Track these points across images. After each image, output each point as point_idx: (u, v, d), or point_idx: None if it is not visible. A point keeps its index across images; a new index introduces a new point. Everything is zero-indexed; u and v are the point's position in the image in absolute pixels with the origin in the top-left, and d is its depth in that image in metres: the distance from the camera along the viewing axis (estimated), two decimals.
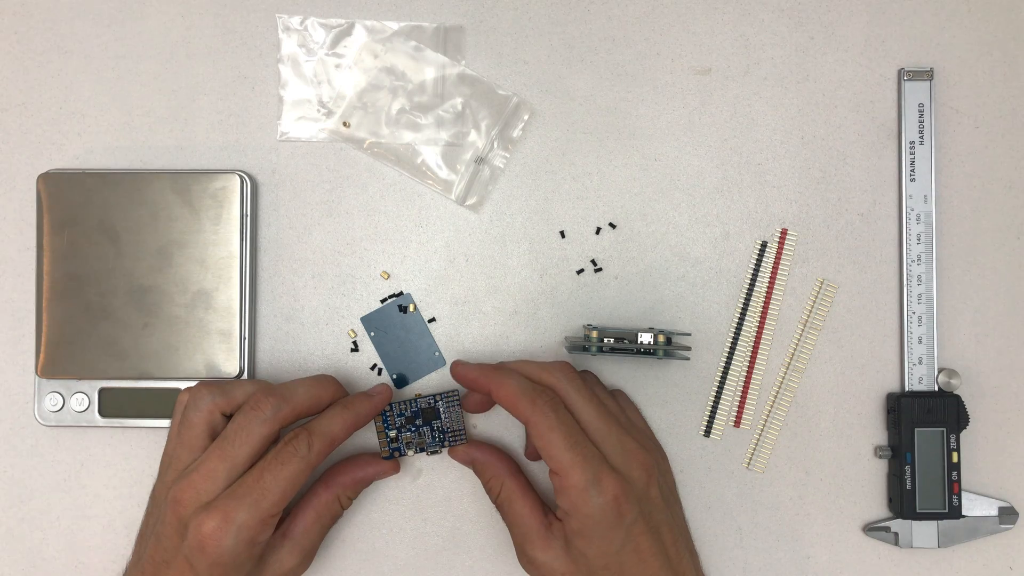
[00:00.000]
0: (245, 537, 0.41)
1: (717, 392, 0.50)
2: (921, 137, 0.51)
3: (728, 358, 0.50)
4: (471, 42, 0.52)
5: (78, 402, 0.49)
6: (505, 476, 0.46)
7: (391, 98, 0.51)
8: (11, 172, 0.51)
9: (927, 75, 0.51)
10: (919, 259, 0.50)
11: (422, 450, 0.48)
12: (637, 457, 0.43)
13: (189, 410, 0.44)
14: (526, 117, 0.51)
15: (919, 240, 0.50)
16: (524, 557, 0.45)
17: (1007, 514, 0.50)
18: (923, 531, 0.49)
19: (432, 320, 0.51)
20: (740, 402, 0.50)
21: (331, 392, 0.46)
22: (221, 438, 0.43)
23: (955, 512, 0.49)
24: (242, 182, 0.49)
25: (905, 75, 0.51)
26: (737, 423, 0.50)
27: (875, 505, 0.50)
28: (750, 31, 0.52)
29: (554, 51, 0.51)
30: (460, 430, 0.48)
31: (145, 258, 0.49)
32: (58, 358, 0.49)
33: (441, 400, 0.48)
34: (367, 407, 0.46)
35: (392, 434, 0.48)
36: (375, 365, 0.51)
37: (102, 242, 0.49)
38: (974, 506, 0.49)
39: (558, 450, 0.42)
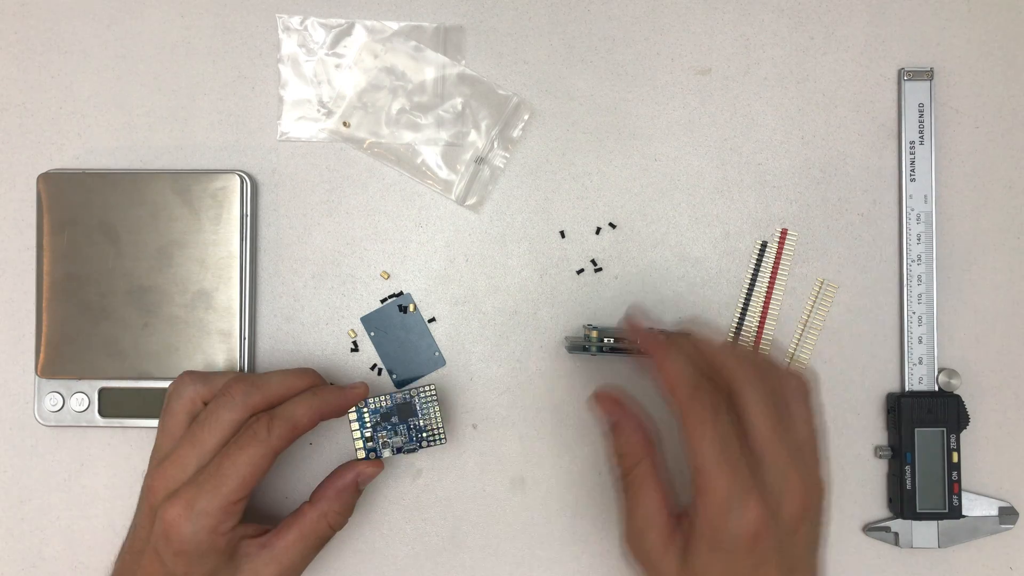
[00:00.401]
0: (205, 524, 0.40)
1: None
2: (921, 137, 0.51)
3: None
4: (471, 42, 0.52)
5: (78, 402, 0.49)
6: (643, 454, 0.41)
7: (391, 98, 0.51)
8: (11, 172, 0.51)
9: (927, 75, 0.51)
10: (919, 259, 0.50)
11: (399, 450, 0.46)
12: (796, 493, 0.38)
13: (172, 399, 0.44)
14: (526, 117, 0.51)
15: (919, 240, 0.50)
16: (635, 544, 0.41)
17: (1007, 514, 0.50)
18: (923, 531, 0.49)
19: (432, 320, 0.51)
20: None
21: (306, 382, 0.44)
22: (193, 424, 0.42)
23: (955, 512, 0.49)
24: (242, 182, 0.49)
25: (905, 75, 0.51)
26: None
27: (875, 505, 0.50)
28: (750, 31, 0.52)
29: (554, 51, 0.51)
30: (438, 428, 0.46)
31: (145, 258, 0.49)
32: (58, 358, 0.49)
33: (417, 396, 0.46)
34: (336, 397, 0.44)
35: (367, 433, 0.46)
36: (375, 365, 0.51)
37: (102, 242, 0.49)
38: (974, 506, 0.49)
39: (706, 455, 0.37)
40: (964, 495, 0.49)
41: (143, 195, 0.49)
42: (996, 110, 0.51)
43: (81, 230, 0.49)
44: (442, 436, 0.46)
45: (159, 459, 0.43)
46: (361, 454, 0.46)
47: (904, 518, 0.49)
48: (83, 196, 0.49)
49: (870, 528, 0.50)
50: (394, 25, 0.51)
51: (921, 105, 0.51)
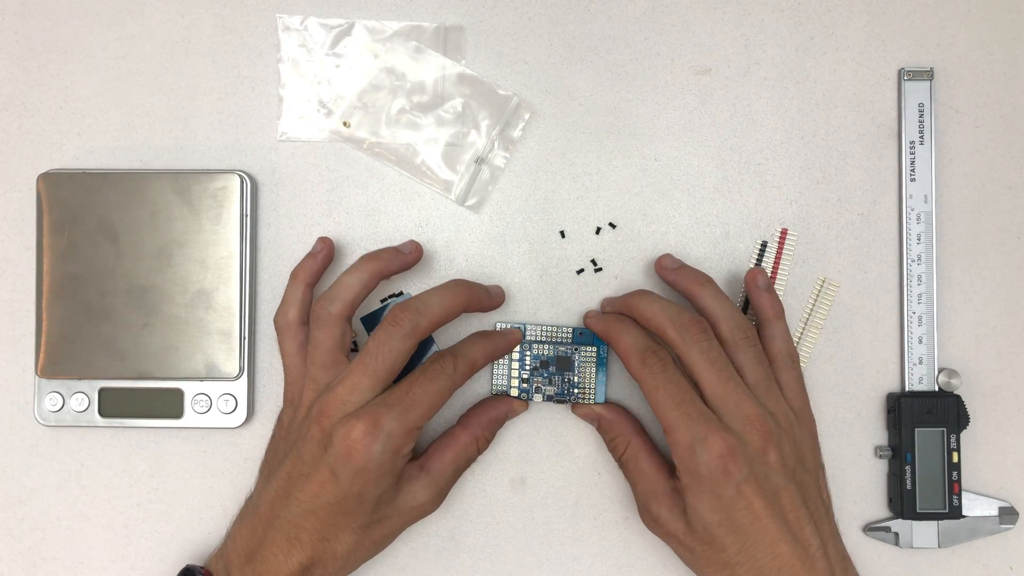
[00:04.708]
0: (392, 445, 0.41)
1: None
2: (921, 137, 0.51)
3: None
4: (471, 42, 0.52)
5: (78, 402, 0.49)
6: (631, 434, 0.47)
7: (391, 98, 0.51)
8: (11, 172, 0.51)
9: (927, 75, 0.51)
10: (919, 259, 0.50)
11: (549, 398, 0.49)
12: (755, 422, 0.42)
13: (316, 329, 0.45)
14: (526, 117, 0.51)
15: (919, 240, 0.50)
16: (647, 514, 0.46)
17: (1007, 514, 0.50)
18: (923, 531, 0.49)
19: None
20: None
21: (464, 298, 0.45)
22: (363, 353, 0.43)
23: (955, 512, 0.49)
24: (242, 182, 0.49)
25: (905, 75, 0.51)
26: None
27: (875, 505, 0.50)
28: (750, 31, 0.52)
29: (554, 51, 0.51)
30: (589, 388, 0.49)
31: (145, 258, 0.49)
32: (58, 358, 0.49)
33: (577, 353, 0.49)
34: (504, 341, 0.48)
35: (524, 375, 0.49)
36: None
37: (102, 242, 0.49)
38: (974, 506, 0.49)
39: (665, 408, 0.42)
40: (964, 495, 0.49)
41: (143, 195, 0.49)
42: (996, 110, 0.51)
43: (81, 230, 0.49)
44: (591, 395, 0.49)
45: (318, 389, 0.44)
46: (515, 392, 0.49)
47: (904, 518, 0.49)
48: (83, 196, 0.49)
49: (870, 528, 0.50)
50: (394, 25, 0.51)
51: (921, 105, 0.51)
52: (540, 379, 0.49)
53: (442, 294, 0.45)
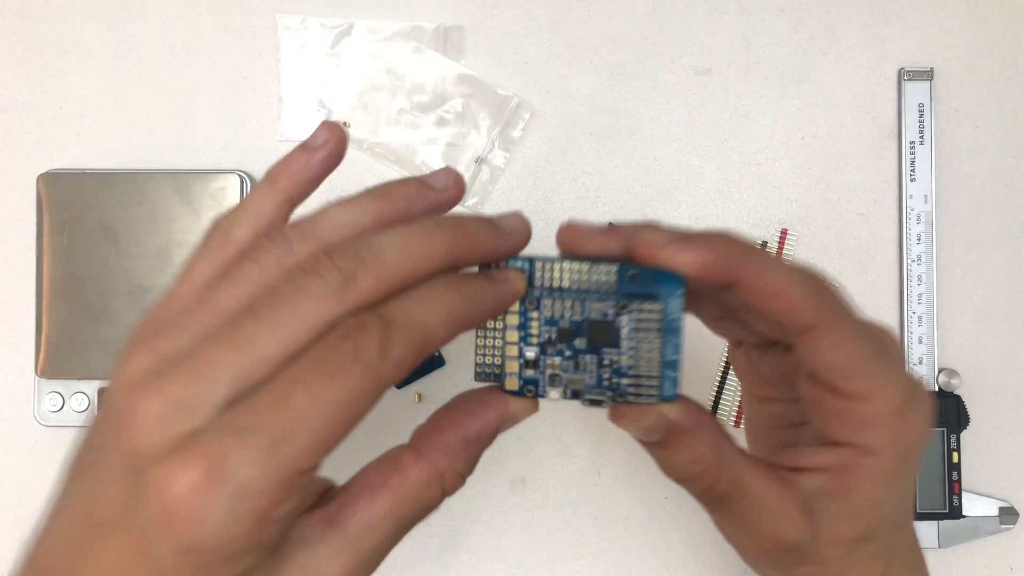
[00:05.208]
0: (250, 507, 0.21)
1: (717, 392, 0.50)
2: (921, 137, 0.51)
3: (729, 358, 0.50)
4: (471, 42, 0.52)
5: (78, 402, 0.49)
6: (726, 447, 0.29)
7: (391, 98, 0.51)
8: (11, 172, 0.51)
9: (927, 75, 0.51)
10: (919, 259, 0.50)
11: (575, 395, 0.27)
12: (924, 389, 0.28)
13: (229, 223, 0.26)
14: (527, 117, 0.51)
15: (919, 240, 0.50)
16: (777, 556, 0.29)
17: (1007, 514, 0.50)
18: (923, 531, 0.49)
19: None
20: (740, 402, 0.50)
21: (447, 243, 0.25)
22: (244, 312, 0.23)
23: (955, 512, 0.49)
24: (242, 182, 0.49)
25: (905, 75, 0.51)
26: (737, 423, 0.50)
27: None
28: (750, 31, 0.52)
29: (554, 51, 0.51)
30: (650, 375, 0.27)
31: (145, 258, 0.49)
32: (58, 358, 0.49)
33: (630, 314, 0.26)
34: (490, 293, 0.26)
35: (530, 353, 0.27)
36: None
37: (102, 242, 0.49)
38: (974, 506, 0.49)
39: (864, 361, 0.27)
40: (964, 495, 0.49)
41: (143, 195, 0.49)
42: (996, 110, 0.51)
43: (81, 230, 0.49)
44: (652, 390, 0.27)
45: (159, 357, 0.23)
46: (514, 384, 0.27)
47: None
48: (83, 196, 0.49)
49: None
50: (394, 25, 0.51)
51: (921, 105, 0.51)
52: (558, 360, 0.27)
53: (406, 235, 0.24)
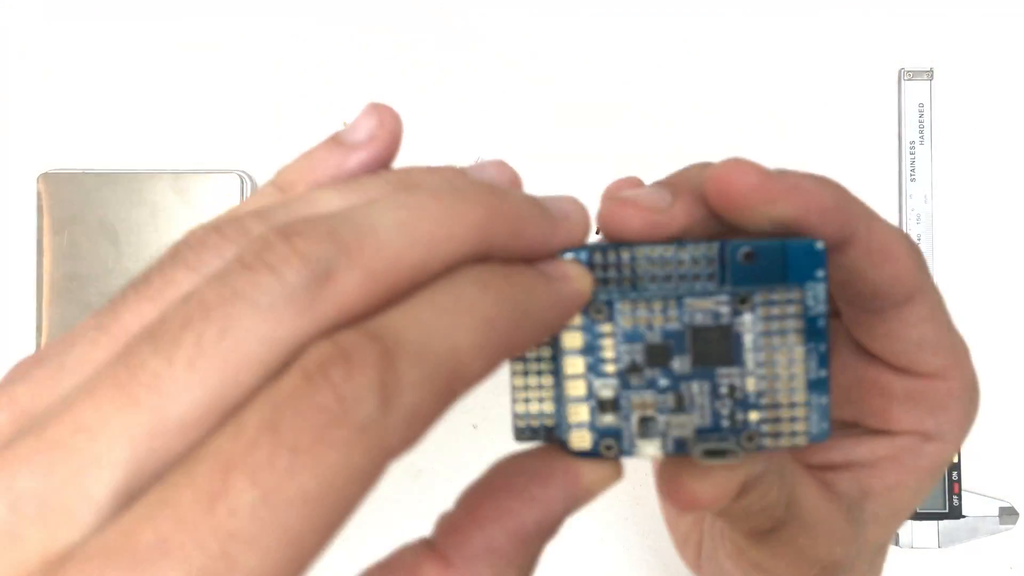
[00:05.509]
0: None
1: None
2: (921, 137, 0.51)
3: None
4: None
5: None
6: (785, 459, 0.22)
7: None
8: (11, 172, 0.51)
9: (927, 75, 0.51)
10: None
11: (680, 447, 0.18)
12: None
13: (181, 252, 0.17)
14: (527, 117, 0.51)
15: (919, 240, 0.50)
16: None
17: (1007, 514, 0.50)
18: (923, 531, 0.49)
19: None
20: None
21: (472, 222, 0.16)
22: (146, 340, 0.14)
23: (955, 512, 0.49)
24: (242, 182, 0.49)
25: (905, 75, 0.51)
26: None
27: None
28: (749, 30, 0.52)
29: (554, 51, 0.51)
30: (797, 405, 0.18)
31: (145, 258, 0.49)
32: None
33: (752, 311, 0.18)
34: (546, 297, 0.17)
35: (607, 392, 0.18)
36: None
37: (102, 242, 0.49)
38: (974, 506, 0.49)
39: (955, 335, 0.23)
40: (964, 495, 0.49)
41: (143, 195, 0.49)
42: (996, 110, 0.51)
43: (81, 230, 0.49)
44: (799, 426, 0.18)
45: (38, 407, 0.14)
46: (584, 440, 0.19)
47: None
48: (83, 196, 0.49)
49: None
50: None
51: (921, 105, 0.51)
52: (651, 396, 0.18)
53: (413, 206, 0.15)
